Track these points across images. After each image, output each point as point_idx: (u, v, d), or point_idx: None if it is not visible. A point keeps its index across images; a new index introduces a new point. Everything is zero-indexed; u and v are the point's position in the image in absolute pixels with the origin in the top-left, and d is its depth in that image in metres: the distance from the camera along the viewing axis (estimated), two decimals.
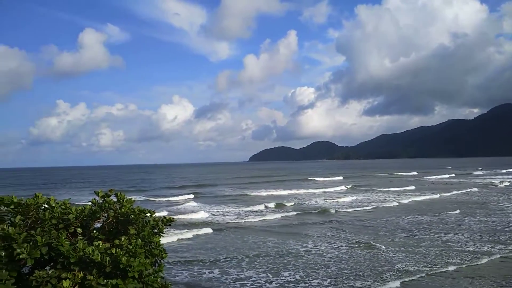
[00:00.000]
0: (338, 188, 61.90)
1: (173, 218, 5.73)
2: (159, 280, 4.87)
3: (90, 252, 4.25)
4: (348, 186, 65.03)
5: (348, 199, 45.21)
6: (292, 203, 41.38)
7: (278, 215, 32.87)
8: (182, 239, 23.58)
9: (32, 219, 4.59)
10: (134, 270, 4.29)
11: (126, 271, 4.28)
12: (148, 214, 5.45)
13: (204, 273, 16.61)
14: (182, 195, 53.19)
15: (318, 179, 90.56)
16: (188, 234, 24.80)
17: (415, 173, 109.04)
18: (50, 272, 4.22)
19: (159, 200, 48.39)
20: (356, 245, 21.18)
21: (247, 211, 35.92)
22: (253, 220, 30.85)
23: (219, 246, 21.79)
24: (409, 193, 51.69)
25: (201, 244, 22.30)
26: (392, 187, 60.56)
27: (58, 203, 4.83)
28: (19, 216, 4.44)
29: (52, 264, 4.57)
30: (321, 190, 58.71)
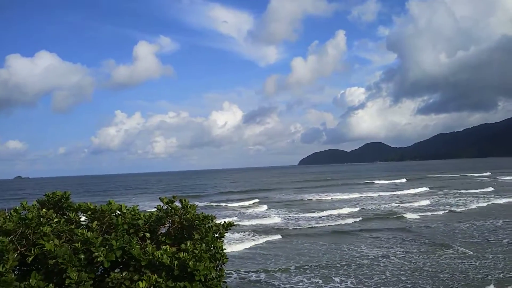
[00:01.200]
0: (409, 191, 57.87)
1: (233, 223, 5.88)
2: (221, 284, 5.03)
3: (159, 256, 4.50)
4: (421, 189, 60.72)
5: (423, 202, 42.69)
6: (361, 207, 39.90)
7: (351, 220, 31.71)
8: (258, 244, 23.70)
9: (106, 225, 4.95)
10: (200, 274, 4.47)
11: (193, 274, 4.47)
12: (210, 220, 5.66)
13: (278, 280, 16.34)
14: (245, 200, 52.93)
15: (380, 181, 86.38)
16: (262, 239, 24.72)
17: (489, 173, 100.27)
18: (124, 274, 4.52)
19: (225, 205, 48.24)
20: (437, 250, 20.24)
21: (319, 217, 34.76)
22: (327, 224, 30.20)
23: (293, 253, 21.25)
24: (488, 195, 48.15)
25: (278, 250, 21.94)
26: (467, 189, 56.67)
27: (128, 210, 5.17)
28: (95, 222, 4.81)
29: (122, 267, 4.89)
30: (391, 193, 56.02)
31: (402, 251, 20.59)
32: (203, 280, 4.46)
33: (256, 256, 20.72)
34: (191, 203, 5.60)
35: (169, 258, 4.50)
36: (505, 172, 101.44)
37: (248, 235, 25.90)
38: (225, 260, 5.52)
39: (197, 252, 4.62)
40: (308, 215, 36.14)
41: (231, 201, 53.97)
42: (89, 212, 5.00)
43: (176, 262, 4.49)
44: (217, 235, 5.67)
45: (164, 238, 5.10)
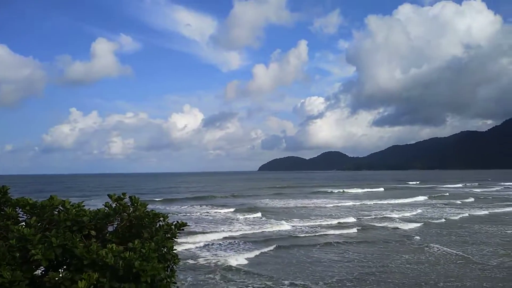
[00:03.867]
0: (398, 201, 57.86)
1: (186, 223, 5.69)
2: (171, 286, 4.83)
3: (103, 255, 4.23)
4: (416, 198, 61.98)
5: (416, 211, 43.97)
6: (357, 217, 39.63)
7: (353, 230, 31.34)
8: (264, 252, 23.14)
9: (47, 221, 4.60)
10: (147, 274, 4.25)
11: (139, 275, 4.24)
12: (162, 218, 5.44)
13: None
14: (228, 206, 50.56)
15: (355, 190, 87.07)
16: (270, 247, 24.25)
17: (460, 185, 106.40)
18: (64, 274, 4.21)
19: (215, 212, 45.38)
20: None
21: (318, 225, 34.23)
22: (331, 233, 29.93)
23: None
24: (473, 205, 50.80)
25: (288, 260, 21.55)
26: (452, 199, 59.29)
27: (72, 206, 4.84)
28: (34, 218, 4.45)
29: (65, 267, 4.56)
30: (383, 202, 56.36)
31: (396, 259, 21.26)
32: (149, 281, 4.24)
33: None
34: (152, 206, 5.36)
35: (114, 258, 4.24)
36: (473, 185, 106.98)
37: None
38: (176, 260, 5.31)
39: (144, 251, 4.40)
40: (309, 223, 35.37)
41: (218, 206, 51.75)
42: (27, 207, 4.63)
43: (121, 262, 4.24)
44: (169, 235, 5.47)
45: (111, 236, 4.82)
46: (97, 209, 4.98)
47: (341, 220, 36.65)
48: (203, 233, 29.16)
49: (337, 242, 26.06)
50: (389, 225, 33.61)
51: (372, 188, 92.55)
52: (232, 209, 46.72)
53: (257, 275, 18.44)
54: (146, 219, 4.86)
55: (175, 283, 4.87)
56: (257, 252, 22.93)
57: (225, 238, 27.62)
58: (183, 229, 5.70)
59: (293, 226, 33.03)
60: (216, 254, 22.66)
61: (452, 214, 40.98)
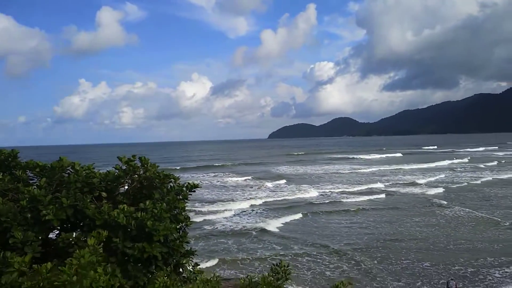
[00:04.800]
0: (419, 166, 57.20)
1: (198, 184, 5.61)
2: (184, 245, 4.81)
3: (115, 215, 4.19)
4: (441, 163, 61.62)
5: (440, 175, 43.76)
6: (382, 182, 39.40)
7: (381, 196, 31.42)
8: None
9: (57, 182, 4.55)
10: (159, 234, 4.21)
11: (152, 235, 4.20)
12: (173, 180, 5.36)
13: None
14: (250, 174, 50.68)
15: (373, 156, 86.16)
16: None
17: (481, 149, 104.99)
18: (76, 234, 4.20)
19: (238, 180, 45.22)
20: None
21: (345, 191, 34.10)
22: (359, 199, 30.02)
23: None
24: (497, 168, 50.74)
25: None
26: (475, 163, 58.98)
27: (82, 167, 4.77)
28: (44, 179, 4.40)
29: (78, 230, 4.55)
30: (404, 167, 55.98)
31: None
32: (162, 241, 4.21)
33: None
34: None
35: (126, 218, 4.19)
36: (494, 149, 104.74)
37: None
38: (188, 222, 5.29)
39: (156, 211, 4.34)
40: (343, 189, 35.23)
41: (239, 174, 51.55)
42: (37, 169, 4.58)
43: (133, 222, 4.20)
44: (180, 196, 5.41)
45: (122, 198, 4.77)
46: (107, 171, 4.91)
47: (368, 186, 36.59)
48: (233, 200, 29.51)
49: (365, 208, 26.00)
50: (415, 190, 33.38)
51: (389, 154, 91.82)
52: (255, 177, 46.89)
53: (288, 238, 18.90)
54: (157, 180, 4.78)
55: (188, 243, 4.85)
56: (288, 218, 23.12)
57: (255, 205, 27.94)
58: (194, 191, 5.63)
59: (320, 193, 33.01)
60: (250, 220, 22.97)
61: (476, 178, 40.59)
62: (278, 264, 4.58)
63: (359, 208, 26.24)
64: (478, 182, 38.25)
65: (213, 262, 15.50)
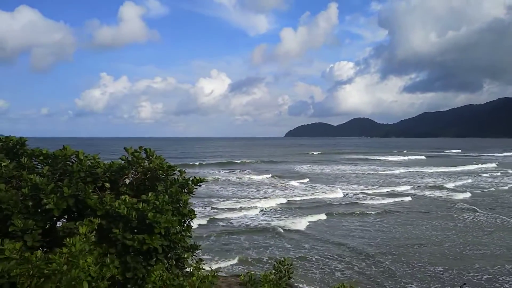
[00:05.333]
0: (445, 169, 55.67)
1: (204, 178, 5.52)
2: (186, 239, 4.72)
3: (116, 206, 4.13)
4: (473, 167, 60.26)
5: (467, 180, 42.68)
6: (409, 185, 38.27)
7: (407, 198, 30.46)
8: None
9: (60, 171, 4.52)
10: (160, 226, 4.13)
11: (152, 227, 4.13)
12: (178, 173, 5.29)
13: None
14: (275, 172, 50.02)
15: (397, 158, 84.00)
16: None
17: (509, 153, 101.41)
18: (77, 223, 4.16)
19: (263, 177, 44.38)
20: None
21: (371, 193, 33.37)
22: (385, 201, 29.13)
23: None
24: None
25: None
26: (504, 168, 57.70)
27: (86, 157, 4.73)
28: (47, 167, 4.38)
29: (81, 217, 4.52)
30: (429, 170, 54.33)
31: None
32: (163, 233, 4.13)
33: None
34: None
35: (127, 209, 4.13)
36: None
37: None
38: (192, 216, 5.20)
39: (158, 203, 4.26)
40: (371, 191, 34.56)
41: (263, 171, 50.68)
42: (41, 157, 4.56)
43: (134, 213, 4.13)
44: (186, 190, 5.33)
45: (125, 189, 4.72)
46: (111, 161, 4.86)
47: (393, 188, 35.66)
48: (257, 198, 29.31)
49: (392, 210, 25.29)
50: (441, 194, 32.30)
51: (412, 156, 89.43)
52: (275, 175, 46.32)
53: (313, 237, 18.72)
54: (160, 171, 4.70)
55: (190, 237, 4.76)
56: (314, 218, 22.74)
57: (282, 203, 27.66)
58: (200, 185, 5.54)
59: (345, 193, 32.36)
60: (276, 218, 22.74)
61: (504, 184, 38.99)
62: (282, 261, 4.44)
63: (384, 210, 25.62)
64: (506, 188, 36.99)
65: (232, 261, 15.35)
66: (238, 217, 23.21)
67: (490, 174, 50.04)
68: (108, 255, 4.04)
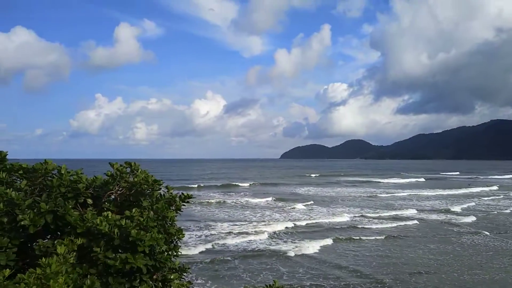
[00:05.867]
0: (446, 192, 55.38)
1: (191, 195, 5.30)
2: (173, 259, 4.46)
3: (97, 223, 3.89)
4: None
5: (471, 203, 42.60)
6: (415, 208, 37.88)
7: (413, 222, 30.14)
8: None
9: (40, 186, 4.29)
10: (144, 244, 3.88)
11: (136, 245, 3.87)
12: (166, 190, 5.06)
13: None
14: (277, 195, 49.62)
15: (396, 180, 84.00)
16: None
17: (509, 176, 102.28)
18: (56, 242, 3.89)
19: (266, 201, 43.87)
20: None
21: (377, 216, 33.11)
22: (391, 225, 28.78)
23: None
24: None
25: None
26: (506, 191, 58.14)
27: (69, 172, 4.51)
28: (25, 181, 4.14)
29: (60, 235, 4.25)
30: (431, 193, 53.97)
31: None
32: (147, 252, 3.87)
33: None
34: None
35: (109, 225, 3.89)
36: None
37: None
38: (180, 235, 4.95)
39: (142, 220, 4.03)
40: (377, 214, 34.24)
41: (263, 194, 50.17)
42: (20, 172, 4.32)
43: (116, 230, 3.89)
44: (173, 207, 5.10)
45: (109, 205, 4.47)
46: (94, 176, 4.64)
47: (400, 212, 35.24)
48: (262, 222, 28.85)
49: (401, 236, 24.80)
50: (447, 218, 31.98)
51: (411, 178, 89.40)
52: (277, 198, 45.91)
53: (324, 262, 18.42)
54: (145, 186, 4.47)
55: (177, 256, 4.50)
56: (322, 242, 22.45)
57: (289, 227, 27.20)
58: (188, 201, 5.31)
59: (351, 217, 31.98)
60: (285, 243, 22.37)
61: (510, 207, 38.83)
62: (271, 285, 4.18)
63: (392, 234, 25.14)
64: (508, 211, 36.73)
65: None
66: (245, 241, 22.75)
67: (492, 197, 49.82)
68: (89, 276, 3.78)
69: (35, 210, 3.84)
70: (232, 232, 25.14)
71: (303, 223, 29.21)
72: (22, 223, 3.71)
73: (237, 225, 27.85)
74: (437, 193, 54.55)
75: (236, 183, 69.88)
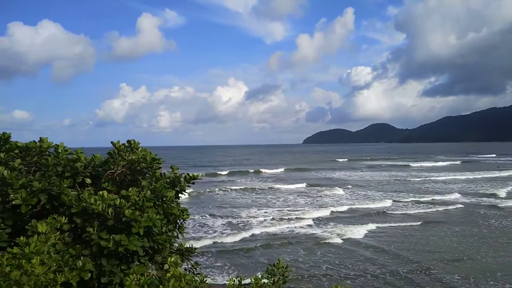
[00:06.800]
0: (487, 175, 52.48)
1: (197, 175, 5.07)
2: (173, 240, 4.27)
3: (91, 202, 3.71)
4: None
5: None
6: (459, 192, 36.09)
7: (459, 206, 28.82)
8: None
9: (36, 165, 4.15)
10: (140, 225, 3.69)
11: (131, 225, 3.69)
12: (170, 169, 4.85)
13: None
14: (314, 180, 48.51)
15: (430, 164, 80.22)
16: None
17: None
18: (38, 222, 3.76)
19: (306, 188, 42.41)
20: None
21: (419, 201, 31.64)
22: (435, 209, 27.65)
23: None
24: None
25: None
26: None
27: (66, 151, 4.35)
28: (18, 160, 4.01)
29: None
30: (471, 176, 51.22)
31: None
32: (141, 233, 3.67)
33: None
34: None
35: (103, 205, 3.71)
36: None
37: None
38: (185, 216, 4.75)
39: (138, 199, 3.83)
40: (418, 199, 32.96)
41: (299, 180, 48.58)
42: (16, 151, 4.20)
43: (110, 210, 3.71)
44: (178, 188, 4.89)
45: (107, 185, 4.30)
46: (93, 155, 4.47)
47: (442, 197, 33.77)
48: (303, 208, 28.46)
49: (443, 220, 23.84)
50: (493, 202, 30.35)
51: (445, 162, 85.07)
52: (310, 183, 44.97)
53: (371, 246, 18.12)
54: (143, 164, 4.27)
55: (177, 238, 4.31)
56: (367, 227, 22.02)
57: (334, 211, 26.91)
58: (193, 182, 5.09)
59: (392, 203, 30.88)
60: (333, 228, 22.01)
61: None
62: (276, 264, 3.92)
63: (441, 219, 24.12)
64: None
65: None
66: (289, 227, 22.32)
67: None
68: (81, 257, 3.63)
69: (28, 190, 3.70)
70: (274, 218, 24.65)
71: (345, 208, 28.51)
72: (13, 202, 3.59)
73: (277, 211, 27.23)
74: (478, 176, 51.93)
75: (266, 169, 68.60)
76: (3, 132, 5.01)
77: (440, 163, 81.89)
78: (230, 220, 24.28)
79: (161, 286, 3.05)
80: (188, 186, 5.05)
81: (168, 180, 4.63)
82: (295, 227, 22.46)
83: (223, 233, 20.85)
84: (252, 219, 24.65)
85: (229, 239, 19.61)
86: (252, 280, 3.53)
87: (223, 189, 40.45)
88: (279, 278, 3.75)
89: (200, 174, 5.24)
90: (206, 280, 3.92)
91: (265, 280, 3.55)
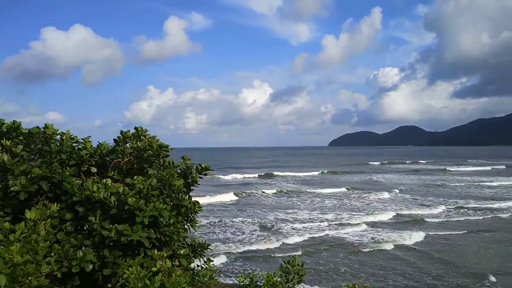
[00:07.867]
0: None
1: (209, 167, 4.81)
2: (182, 233, 3.99)
3: (94, 189, 3.49)
4: None
5: None
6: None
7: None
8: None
9: (40, 152, 3.98)
10: (144, 215, 3.43)
11: (135, 215, 3.44)
12: (181, 160, 4.60)
13: None
14: (354, 184, 47.61)
15: (470, 168, 75.89)
16: None
17: None
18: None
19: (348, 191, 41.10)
20: None
21: (468, 208, 29.99)
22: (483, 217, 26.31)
23: None
24: None
25: None
26: None
27: (72, 139, 4.17)
28: (20, 146, 3.84)
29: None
30: None
31: None
32: (146, 222, 3.41)
33: None
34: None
35: (106, 193, 3.48)
36: None
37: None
38: (197, 209, 4.48)
39: (142, 187, 3.57)
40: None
41: (339, 184, 47.33)
42: (20, 137, 4.05)
43: (113, 198, 3.47)
44: (189, 180, 4.63)
45: (113, 174, 4.08)
46: (99, 143, 4.27)
47: (494, 204, 31.58)
48: (356, 212, 27.77)
49: (499, 229, 22.28)
50: None
51: (488, 166, 79.77)
52: (352, 187, 43.87)
53: (424, 253, 17.46)
54: (150, 152, 4.02)
55: (185, 230, 4.03)
56: (419, 234, 21.03)
57: (389, 218, 25.93)
58: (206, 174, 4.83)
59: (443, 209, 29.29)
60: (386, 234, 21.28)
61: None
62: (291, 262, 3.57)
63: (488, 229, 22.70)
64: None
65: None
66: (343, 232, 21.61)
67: None
68: (83, 247, 3.41)
69: (28, 176, 3.52)
70: (325, 222, 24.07)
71: (393, 213, 27.37)
72: (12, 188, 3.41)
73: (327, 215, 26.39)
74: None
75: (301, 172, 66.25)
76: (13, 121, 4.90)
77: (482, 168, 77.08)
78: (278, 223, 23.49)
79: (148, 282, 2.77)
80: (200, 177, 4.79)
81: (179, 171, 4.38)
82: (347, 232, 21.69)
83: (285, 237, 20.40)
84: (298, 223, 23.96)
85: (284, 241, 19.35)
86: (264, 277, 3.20)
87: (264, 192, 39.23)
88: (294, 276, 3.41)
89: (210, 166, 4.93)
90: (215, 276, 3.61)
91: (278, 278, 3.21)
